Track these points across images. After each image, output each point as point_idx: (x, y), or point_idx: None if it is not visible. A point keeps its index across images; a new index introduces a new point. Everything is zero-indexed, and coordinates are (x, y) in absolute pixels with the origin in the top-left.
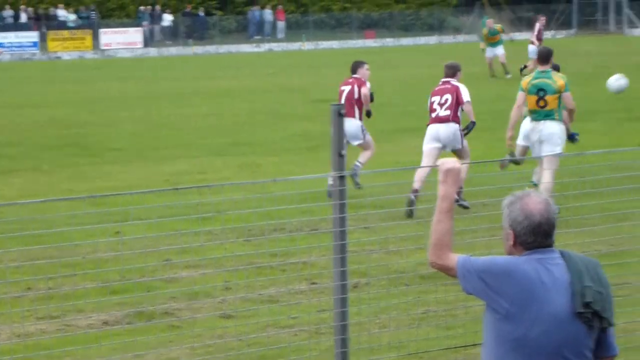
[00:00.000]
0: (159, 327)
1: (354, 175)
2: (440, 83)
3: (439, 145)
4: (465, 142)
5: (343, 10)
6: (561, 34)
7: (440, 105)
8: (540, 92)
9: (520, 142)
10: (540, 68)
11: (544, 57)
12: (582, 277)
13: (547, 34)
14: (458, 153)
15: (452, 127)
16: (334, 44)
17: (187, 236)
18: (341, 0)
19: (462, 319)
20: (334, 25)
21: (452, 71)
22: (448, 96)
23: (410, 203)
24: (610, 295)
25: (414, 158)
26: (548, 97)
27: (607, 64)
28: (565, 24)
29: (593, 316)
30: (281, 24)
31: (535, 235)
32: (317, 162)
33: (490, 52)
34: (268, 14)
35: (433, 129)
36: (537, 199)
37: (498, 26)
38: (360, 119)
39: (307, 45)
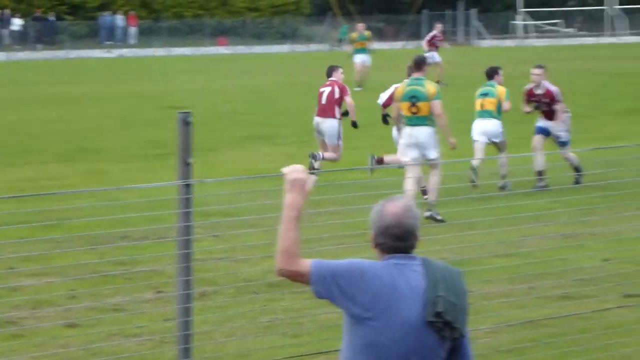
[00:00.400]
0: (1, 336)
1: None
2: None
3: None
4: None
5: (196, 17)
6: (411, 45)
7: None
8: (412, 98)
9: (476, 138)
10: (414, 75)
11: (417, 64)
12: (437, 286)
13: (397, 45)
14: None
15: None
16: (187, 50)
17: (32, 244)
18: (194, 7)
19: (308, 327)
20: (187, 32)
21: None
22: None
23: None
24: (465, 306)
25: (265, 166)
26: (420, 104)
27: (456, 74)
28: (415, 35)
29: (444, 326)
30: (133, 30)
31: (385, 238)
32: (166, 170)
33: (359, 58)
34: (120, 19)
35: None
36: (396, 203)
37: (367, 32)
38: (340, 118)
39: (159, 52)
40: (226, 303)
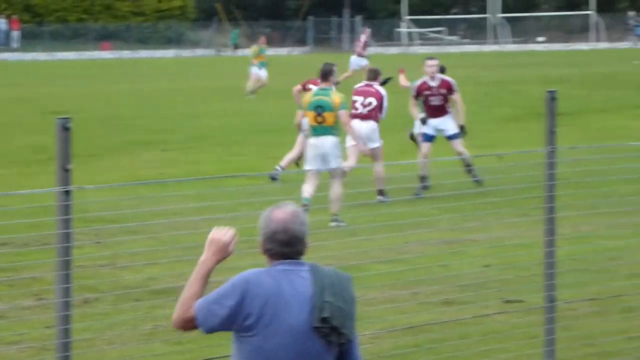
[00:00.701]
0: None
1: (274, 177)
2: (363, 84)
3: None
4: (381, 142)
5: (79, 21)
6: (296, 51)
7: (364, 105)
8: (318, 108)
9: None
10: (320, 85)
11: (324, 75)
12: (324, 291)
13: (283, 51)
14: (372, 153)
15: (371, 125)
16: (70, 54)
17: None
18: (77, 11)
19: (191, 334)
20: (70, 36)
21: (374, 75)
22: (372, 99)
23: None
24: (352, 312)
25: (148, 172)
26: (326, 114)
27: (344, 81)
28: (301, 41)
29: (331, 331)
30: (16, 34)
31: (273, 243)
32: (48, 175)
33: (256, 69)
34: (2, 22)
35: (355, 126)
36: (284, 209)
37: (265, 46)
38: None
39: (42, 56)
40: (108, 310)
